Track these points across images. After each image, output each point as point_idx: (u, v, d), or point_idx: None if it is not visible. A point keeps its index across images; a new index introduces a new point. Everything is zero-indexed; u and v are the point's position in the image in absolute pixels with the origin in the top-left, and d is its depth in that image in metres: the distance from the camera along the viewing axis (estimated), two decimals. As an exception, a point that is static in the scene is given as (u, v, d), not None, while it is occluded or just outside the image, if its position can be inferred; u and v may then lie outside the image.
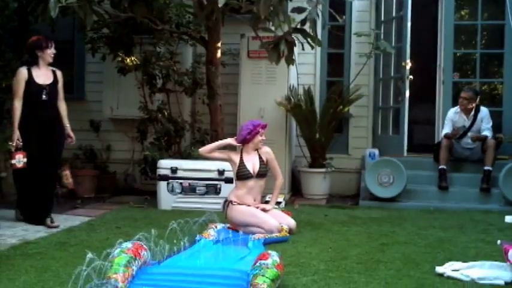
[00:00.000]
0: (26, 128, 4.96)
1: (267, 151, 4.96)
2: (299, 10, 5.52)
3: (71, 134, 5.26)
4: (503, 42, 7.17)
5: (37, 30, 6.12)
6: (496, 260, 3.63)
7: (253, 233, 4.47)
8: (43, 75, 5.08)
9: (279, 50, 5.46)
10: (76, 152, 7.24)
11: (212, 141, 6.30)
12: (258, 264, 3.06)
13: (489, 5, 7.61)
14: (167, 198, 6.04)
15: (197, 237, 4.26)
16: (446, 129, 6.71)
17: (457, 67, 7.62)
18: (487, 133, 6.55)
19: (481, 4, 7.25)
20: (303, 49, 5.94)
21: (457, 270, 3.49)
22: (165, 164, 6.11)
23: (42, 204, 5.09)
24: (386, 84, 7.52)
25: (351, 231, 4.93)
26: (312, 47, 5.83)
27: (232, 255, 3.80)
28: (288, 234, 4.58)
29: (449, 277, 3.44)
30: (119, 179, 7.53)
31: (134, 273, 3.04)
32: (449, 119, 6.75)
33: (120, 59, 6.90)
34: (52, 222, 5.01)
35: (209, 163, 5.91)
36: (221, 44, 6.58)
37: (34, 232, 4.72)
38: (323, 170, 6.98)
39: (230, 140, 5.00)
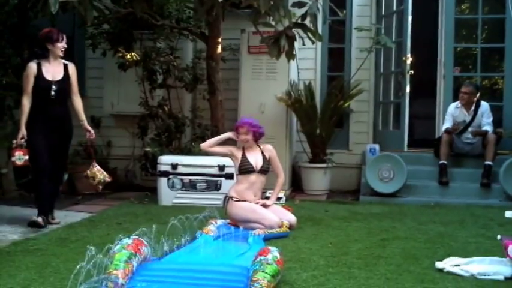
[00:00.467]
0: (33, 126, 4.77)
1: (269, 149, 4.97)
2: (299, 5, 5.52)
3: (88, 128, 5.08)
4: (504, 36, 7.14)
5: (37, 26, 6.11)
6: (496, 255, 3.63)
7: (254, 229, 4.47)
8: (52, 71, 4.85)
9: (280, 45, 5.45)
10: (76, 148, 7.24)
11: (213, 136, 6.32)
12: (258, 259, 3.06)
13: (490, -2, 7.61)
14: (168, 194, 6.04)
15: (197, 233, 4.26)
16: (447, 124, 6.70)
17: (457, 61, 7.60)
18: (488, 128, 6.54)
19: (481, -2, 7.24)
20: (304, 44, 5.93)
21: (457, 266, 3.49)
22: (166, 160, 6.12)
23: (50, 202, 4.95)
24: (387, 79, 7.51)
25: (352, 226, 4.93)
26: (313, 42, 5.82)
27: (233, 251, 3.81)
28: (288, 230, 4.59)
29: (449, 272, 3.45)
30: (119, 175, 7.53)
31: (134, 269, 3.05)
32: (450, 113, 6.75)
33: (120, 54, 6.88)
34: (53, 218, 5.00)
35: (210, 159, 5.92)
36: (221, 39, 6.58)
37: (35, 228, 4.72)
38: (323, 165, 6.98)
39: (230, 134, 5.03)
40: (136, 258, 3.09)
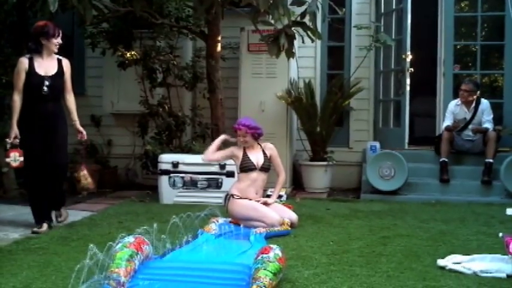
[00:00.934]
0: (26, 124, 4.54)
1: (270, 147, 4.97)
2: (299, 3, 5.51)
3: (81, 129, 4.83)
4: (504, 33, 7.15)
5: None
6: (497, 253, 3.63)
7: (255, 227, 4.47)
8: (45, 66, 4.60)
9: (279, 43, 5.44)
10: (77, 147, 7.23)
11: (213, 135, 6.33)
12: (259, 258, 3.06)
13: (489, -4, 7.60)
14: (169, 193, 6.04)
15: (199, 232, 4.26)
16: (447, 122, 6.71)
17: (457, 59, 7.60)
18: (488, 125, 6.54)
19: (481, -5, 7.24)
20: (303, 42, 5.93)
21: (459, 263, 3.49)
22: (166, 159, 6.12)
23: (51, 202, 4.80)
24: (386, 76, 7.51)
25: (353, 224, 4.93)
26: (312, 40, 5.81)
27: (234, 249, 3.81)
28: (289, 228, 4.59)
29: (451, 270, 3.44)
30: (120, 173, 7.54)
31: (136, 267, 3.05)
32: (450, 111, 6.75)
33: (120, 53, 6.89)
34: (60, 216, 4.87)
35: (210, 157, 5.91)
36: (221, 37, 6.58)
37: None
38: (324, 163, 6.98)
39: (224, 136, 5.07)
40: (138, 257, 3.09)
